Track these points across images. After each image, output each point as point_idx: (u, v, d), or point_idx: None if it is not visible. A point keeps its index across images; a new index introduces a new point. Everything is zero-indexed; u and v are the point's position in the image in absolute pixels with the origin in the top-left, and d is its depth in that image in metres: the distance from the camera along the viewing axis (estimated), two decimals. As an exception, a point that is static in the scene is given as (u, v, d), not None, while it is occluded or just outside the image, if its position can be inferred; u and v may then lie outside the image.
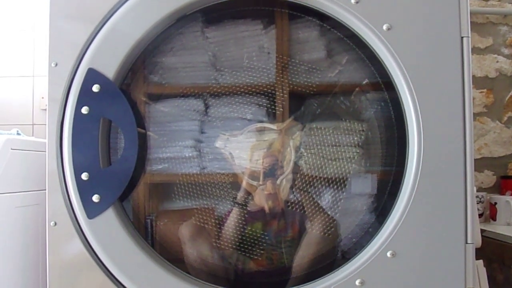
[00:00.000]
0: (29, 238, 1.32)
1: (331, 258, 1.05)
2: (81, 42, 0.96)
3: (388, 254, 0.93)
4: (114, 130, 1.00)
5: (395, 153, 1.04)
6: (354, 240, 1.03)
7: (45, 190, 0.97)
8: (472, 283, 0.95)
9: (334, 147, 1.07)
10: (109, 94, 0.96)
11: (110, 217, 0.95)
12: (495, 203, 1.72)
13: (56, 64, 0.97)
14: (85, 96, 0.95)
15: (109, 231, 0.95)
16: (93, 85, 0.95)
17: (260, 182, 1.05)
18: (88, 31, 0.96)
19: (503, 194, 1.80)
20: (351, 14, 0.95)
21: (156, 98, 1.12)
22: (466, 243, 0.95)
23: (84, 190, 0.94)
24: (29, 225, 1.32)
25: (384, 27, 0.94)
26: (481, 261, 1.31)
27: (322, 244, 1.05)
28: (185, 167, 1.10)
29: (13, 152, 1.26)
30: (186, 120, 1.11)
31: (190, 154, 1.10)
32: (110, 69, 0.96)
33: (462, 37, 0.95)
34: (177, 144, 1.11)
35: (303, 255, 1.05)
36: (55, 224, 0.96)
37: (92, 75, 0.95)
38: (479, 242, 1.27)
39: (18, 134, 1.44)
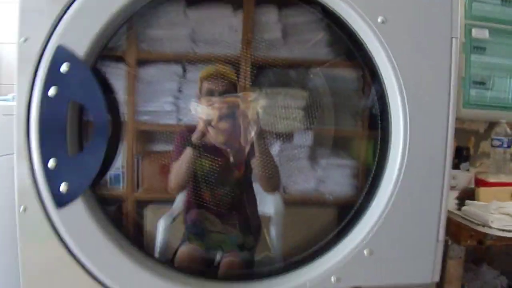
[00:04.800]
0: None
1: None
2: (53, 16, 0.85)
3: (365, 252, 0.93)
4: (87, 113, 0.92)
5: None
6: (328, 236, 1.03)
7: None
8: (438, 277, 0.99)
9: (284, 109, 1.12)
10: (79, 74, 0.86)
11: (79, 207, 0.88)
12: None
13: (26, 40, 0.85)
14: (53, 76, 0.85)
15: (79, 221, 0.88)
16: (62, 63, 0.85)
17: (215, 121, 1.05)
18: (61, 3, 0.85)
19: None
20: (346, 3, 0.90)
21: (142, 63, 1.11)
22: (437, 241, 0.97)
23: (52, 177, 0.87)
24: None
25: (379, 19, 0.91)
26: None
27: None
28: (165, 119, 1.13)
29: (5, 117, 1.34)
30: (167, 81, 1.14)
31: (170, 109, 1.13)
32: (81, 46, 0.86)
33: (452, 38, 0.95)
34: (159, 100, 1.13)
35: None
36: (25, 210, 0.88)
37: (61, 53, 0.85)
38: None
39: (14, 99, 1.36)
